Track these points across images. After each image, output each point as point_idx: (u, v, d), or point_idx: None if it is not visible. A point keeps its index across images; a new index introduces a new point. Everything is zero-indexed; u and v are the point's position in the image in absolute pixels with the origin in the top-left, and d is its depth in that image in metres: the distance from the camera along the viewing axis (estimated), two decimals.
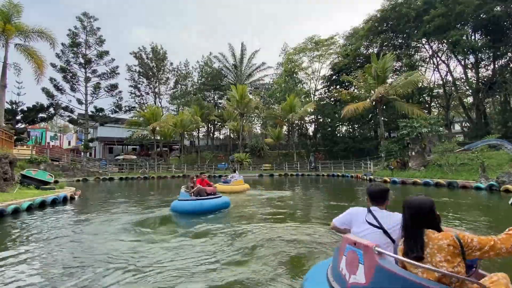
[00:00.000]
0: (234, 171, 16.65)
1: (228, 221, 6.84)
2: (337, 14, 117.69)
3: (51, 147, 37.48)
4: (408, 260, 1.58)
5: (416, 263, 1.54)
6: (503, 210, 7.97)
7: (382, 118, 24.60)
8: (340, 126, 40.36)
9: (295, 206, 9.38)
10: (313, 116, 40.72)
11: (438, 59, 32.27)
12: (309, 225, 6.11)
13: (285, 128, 41.44)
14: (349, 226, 2.18)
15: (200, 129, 44.98)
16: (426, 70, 34.30)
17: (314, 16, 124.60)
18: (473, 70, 29.77)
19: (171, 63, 46.97)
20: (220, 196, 8.17)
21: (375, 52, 31.78)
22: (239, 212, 7.97)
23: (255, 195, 12.00)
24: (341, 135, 40.09)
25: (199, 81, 47.71)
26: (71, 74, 32.69)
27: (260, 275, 3.38)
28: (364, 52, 35.55)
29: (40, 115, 30.51)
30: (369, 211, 2.09)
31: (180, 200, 7.70)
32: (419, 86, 28.14)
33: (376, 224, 1.98)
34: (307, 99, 39.75)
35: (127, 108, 38.09)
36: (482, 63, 29.51)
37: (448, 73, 31.70)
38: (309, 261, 3.82)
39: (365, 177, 20.51)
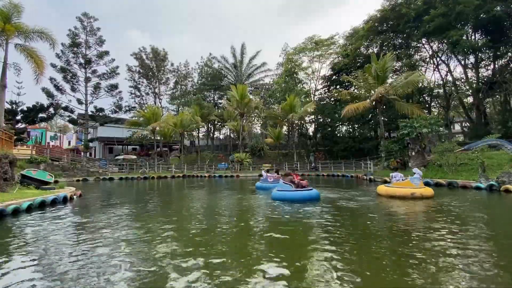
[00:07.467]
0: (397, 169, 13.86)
1: None
2: (337, 13, 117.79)
3: (51, 147, 37.51)
4: None
5: None
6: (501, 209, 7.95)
7: (382, 118, 24.58)
8: (340, 126, 40.32)
9: None
10: (313, 116, 40.66)
11: (438, 59, 32.22)
12: None
13: (285, 128, 41.40)
14: None
15: (200, 129, 44.97)
16: (426, 70, 34.23)
17: (314, 16, 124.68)
18: (473, 70, 29.71)
19: (172, 64, 47.04)
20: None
21: (375, 52, 31.74)
22: None
23: None
24: (341, 135, 40.03)
25: (199, 81, 47.69)
26: (71, 74, 32.68)
27: None
28: (364, 52, 35.50)
29: (40, 115, 30.52)
30: None
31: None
32: (419, 86, 28.13)
33: None
34: (307, 99, 39.67)
35: (127, 108, 38.10)
36: (482, 63, 29.45)
37: (448, 73, 31.66)
38: None
39: (365, 177, 20.50)
